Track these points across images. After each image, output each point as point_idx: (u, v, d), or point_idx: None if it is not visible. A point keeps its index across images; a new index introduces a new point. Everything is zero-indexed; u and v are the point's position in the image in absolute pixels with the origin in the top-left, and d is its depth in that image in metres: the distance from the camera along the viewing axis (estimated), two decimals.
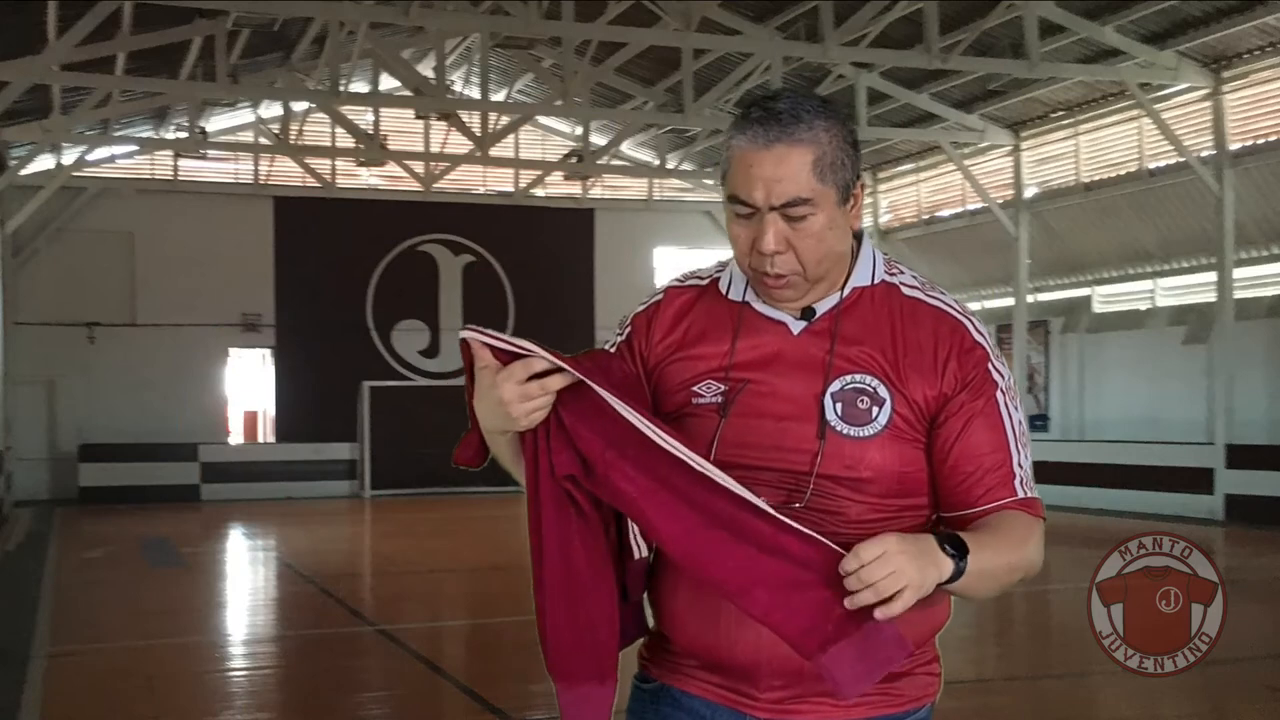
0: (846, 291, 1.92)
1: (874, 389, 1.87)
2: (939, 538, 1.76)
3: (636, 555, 1.97)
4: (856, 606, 1.68)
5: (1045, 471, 19.56)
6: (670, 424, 1.94)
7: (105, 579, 12.36)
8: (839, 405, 1.86)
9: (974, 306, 21.19)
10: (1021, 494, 1.90)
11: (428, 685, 7.38)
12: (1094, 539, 12.99)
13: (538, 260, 23.85)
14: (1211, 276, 17.31)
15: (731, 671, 1.90)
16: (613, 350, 2.02)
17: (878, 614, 1.67)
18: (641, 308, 2.04)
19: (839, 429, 1.86)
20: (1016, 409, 1.93)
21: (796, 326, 1.91)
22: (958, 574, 1.74)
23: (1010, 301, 20.65)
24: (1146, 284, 19.25)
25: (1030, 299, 20.56)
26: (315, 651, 8.56)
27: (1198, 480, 16.62)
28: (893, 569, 1.66)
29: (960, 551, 1.75)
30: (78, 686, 7.36)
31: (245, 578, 13.59)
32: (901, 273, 1.97)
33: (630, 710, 2.04)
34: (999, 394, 1.90)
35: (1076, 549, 13.64)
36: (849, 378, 1.87)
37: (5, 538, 16.07)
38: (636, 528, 1.94)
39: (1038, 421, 20.58)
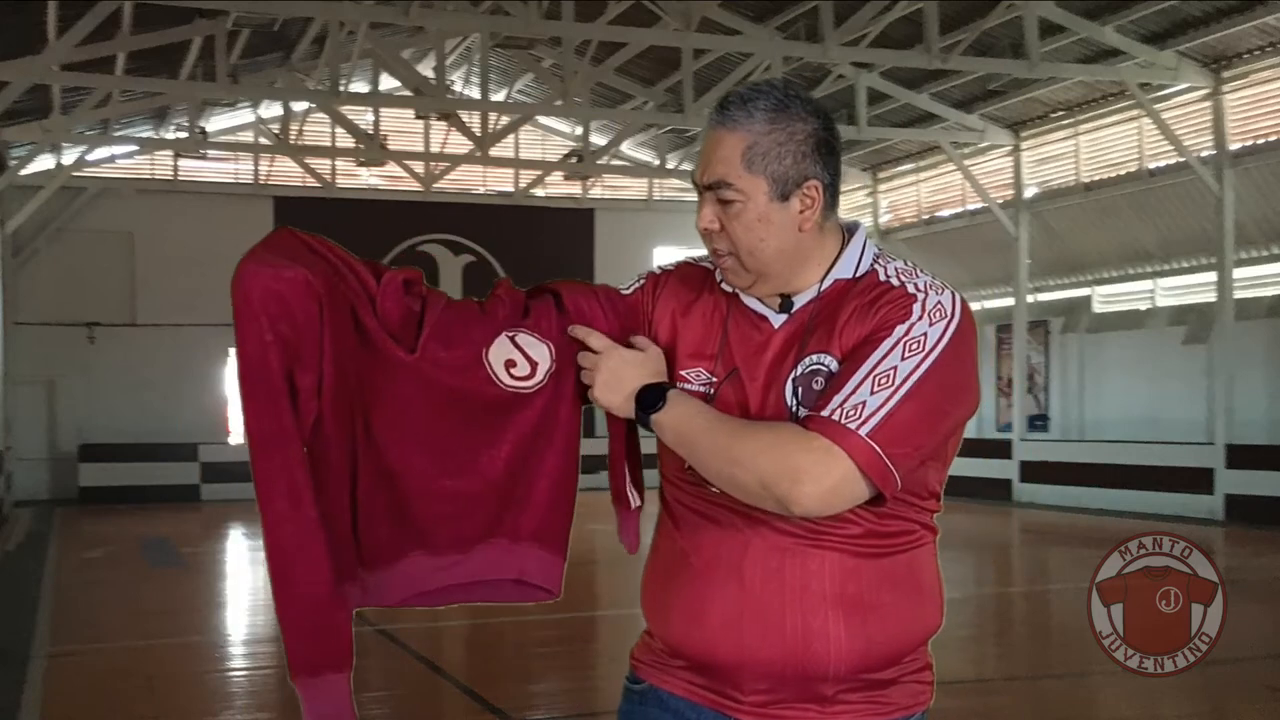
0: (826, 284, 1.90)
1: (829, 366, 1.84)
2: (650, 386, 1.88)
3: (633, 504, 1.99)
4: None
5: (1045, 471, 19.60)
6: None
7: (105, 579, 12.36)
8: (800, 390, 1.85)
9: (974, 306, 21.25)
10: (828, 414, 1.75)
11: (428, 685, 7.38)
12: (1094, 539, 13.00)
13: (538, 260, 23.80)
14: (1211, 276, 17.30)
15: (717, 673, 1.89)
16: (628, 294, 2.05)
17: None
18: (658, 270, 2.07)
19: (799, 414, 1.84)
20: (906, 359, 1.77)
21: (777, 320, 1.91)
22: (644, 418, 1.88)
23: (1010, 301, 20.64)
24: (1146, 284, 19.25)
25: (1030, 299, 20.56)
26: None
27: (1198, 480, 16.62)
28: (590, 367, 1.92)
29: (653, 404, 1.86)
30: (78, 686, 7.36)
31: (245, 578, 13.57)
32: (889, 263, 1.92)
33: (621, 711, 2.04)
34: (889, 338, 1.79)
35: (1076, 549, 13.67)
36: (809, 360, 1.85)
37: (5, 538, 16.06)
38: (630, 476, 2.00)
39: (1038, 421, 20.58)
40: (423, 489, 1.94)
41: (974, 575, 12.01)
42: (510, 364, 1.95)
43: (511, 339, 1.96)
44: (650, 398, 1.87)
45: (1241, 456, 16.28)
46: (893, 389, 1.75)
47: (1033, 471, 19.82)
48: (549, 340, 1.96)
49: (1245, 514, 15.87)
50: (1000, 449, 20.07)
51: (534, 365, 1.95)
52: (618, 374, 1.90)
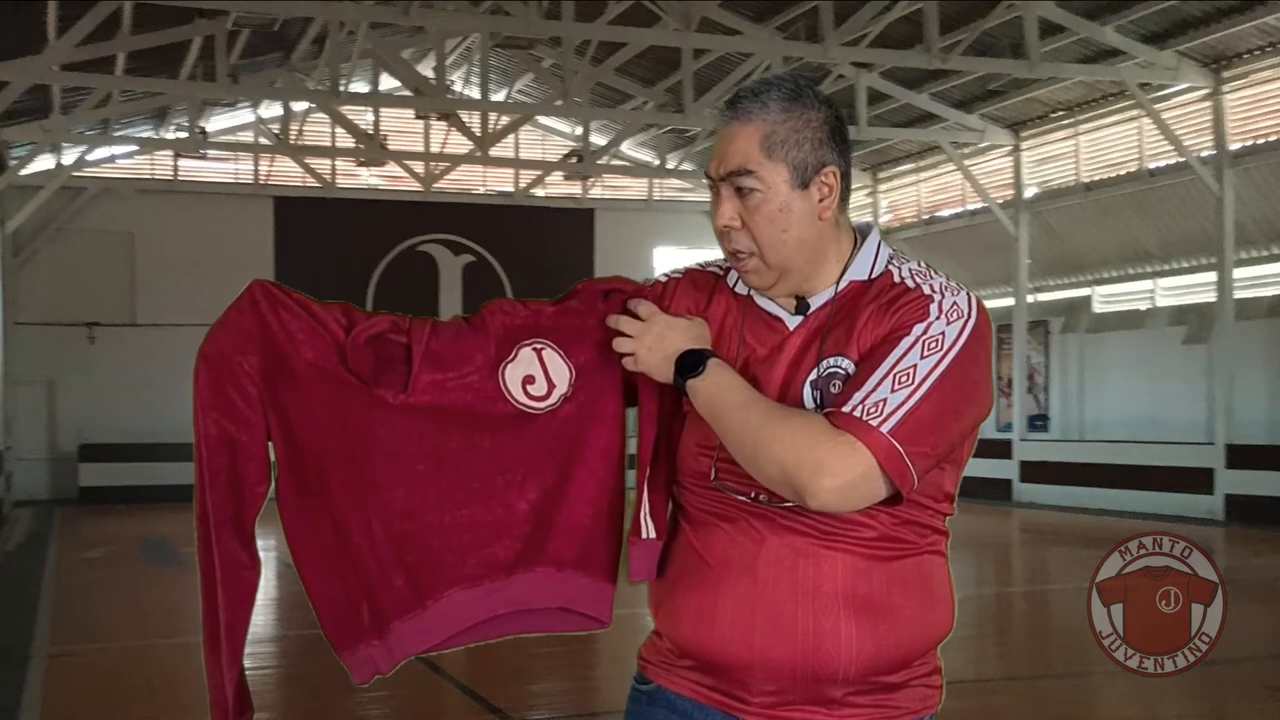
0: (842, 285, 1.89)
1: (846, 369, 1.83)
2: (692, 352, 1.86)
3: (644, 534, 1.96)
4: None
5: (1045, 471, 19.60)
6: (678, 415, 1.95)
7: (105, 579, 12.36)
8: (818, 394, 1.84)
9: None
10: (848, 410, 1.75)
11: (428, 685, 7.37)
12: (1094, 539, 13.01)
13: (538, 260, 23.83)
14: (1211, 276, 17.31)
15: (724, 673, 1.88)
16: None
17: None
18: (663, 278, 2.05)
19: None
20: (925, 357, 1.77)
21: (793, 322, 1.90)
22: (680, 382, 1.86)
23: (1010, 301, 20.64)
24: (1146, 284, 19.25)
25: (1030, 299, 20.56)
26: (315, 651, 8.51)
27: (1198, 480, 16.62)
28: (637, 333, 1.90)
29: (692, 371, 1.84)
30: (78, 686, 7.36)
31: None
32: (904, 264, 1.91)
33: (628, 712, 2.03)
34: (907, 337, 1.79)
35: (1076, 549, 13.68)
36: (827, 362, 1.85)
37: (5, 538, 16.06)
38: (648, 507, 1.95)
39: (1037, 421, 20.58)
40: (439, 522, 1.94)
41: (974, 575, 12.00)
42: (529, 380, 1.94)
43: (539, 353, 1.95)
44: (690, 361, 1.86)
45: (1241, 456, 16.28)
46: (913, 387, 1.75)
47: (1033, 471, 19.82)
48: (574, 364, 1.95)
49: (1245, 514, 15.87)
50: (1000, 449, 20.06)
51: (551, 387, 1.94)
52: (663, 337, 1.89)
